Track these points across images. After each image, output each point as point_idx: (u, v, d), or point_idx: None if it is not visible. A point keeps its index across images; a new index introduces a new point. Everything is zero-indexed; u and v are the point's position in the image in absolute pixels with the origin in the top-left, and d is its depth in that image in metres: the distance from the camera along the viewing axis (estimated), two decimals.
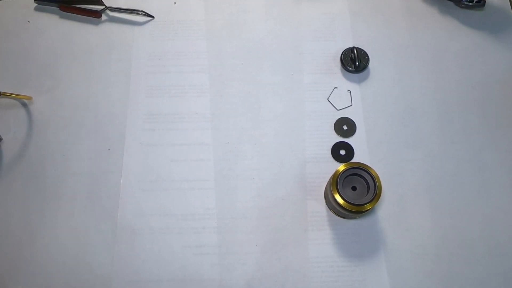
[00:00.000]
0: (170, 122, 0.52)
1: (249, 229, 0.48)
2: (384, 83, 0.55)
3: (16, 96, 0.50)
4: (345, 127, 0.52)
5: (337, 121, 0.53)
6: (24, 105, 0.53)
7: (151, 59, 0.56)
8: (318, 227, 0.48)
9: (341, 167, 0.45)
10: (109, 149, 0.51)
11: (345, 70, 0.55)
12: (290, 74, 0.55)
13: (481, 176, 0.51)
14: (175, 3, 0.59)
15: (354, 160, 0.51)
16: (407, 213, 0.49)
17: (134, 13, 0.58)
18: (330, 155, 0.51)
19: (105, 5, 0.58)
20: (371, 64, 0.55)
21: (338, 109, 0.54)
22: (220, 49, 0.57)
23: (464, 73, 0.56)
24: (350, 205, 0.44)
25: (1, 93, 0.47)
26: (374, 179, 0.44)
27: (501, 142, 0.52)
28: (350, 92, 0.55)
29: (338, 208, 0.45)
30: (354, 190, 0.46)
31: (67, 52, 0.56)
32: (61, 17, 0.58)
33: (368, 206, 0.43)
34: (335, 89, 0.55)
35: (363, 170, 0.44)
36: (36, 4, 0.59)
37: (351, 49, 0.55)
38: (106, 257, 0.47)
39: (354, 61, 0.55)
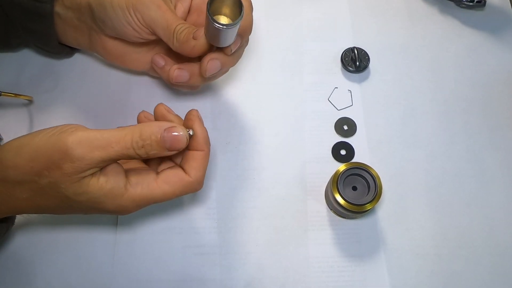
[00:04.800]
0: None
1: (249, 229, 0.48)
2: (384, 83, 0.55)
3: (16, 96, 0.50)
4: (345, 127, 0.52)
5: (337, 121, 0.53)
6: (24, 105, 0.53)
7: None
8: (319, 227, 0.48)
9: (342, 167, 0.45)
10: None
11: (346, 70, 0.55)
12: (290, 74, 0.55)
13: (481, 176, 0.51)
14: None
15: (354, 160, 0.51)
16: (407, 213, 0.49)
17: None
18: (331, 155, 0.51)
19: None
20: (371, 64, 0.55)
21: (338, 109, 0.54)
22: None
23: (464, 73, 0.56)
24: (350, 205, 0.44)
25: (1, 93, 0.47)
26: (375, 179, 0.44)
27: (501, 142, 0.52)
28: (351, 92, 0.55)
29: (338, 208, 0.45)
30: (354, 190, 0.46)
31: None
32: None
33: (368, 206, 0.43)
34: (336, 89, 0.55)
35: (364, 170, 0.45)
36: None
37: (351, 49, 0.55)
38: (106, 257, 0.47)
39: (355, 61, 0.55)
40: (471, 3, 0.57)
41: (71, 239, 0.47)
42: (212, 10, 0.37)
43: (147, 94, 0.54)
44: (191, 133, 0.38)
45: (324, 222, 0.49)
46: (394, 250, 0.47)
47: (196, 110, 0.40)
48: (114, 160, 0.36)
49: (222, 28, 0.37)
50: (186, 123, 0.40)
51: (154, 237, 0.48)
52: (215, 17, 0.37)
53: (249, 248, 0.47)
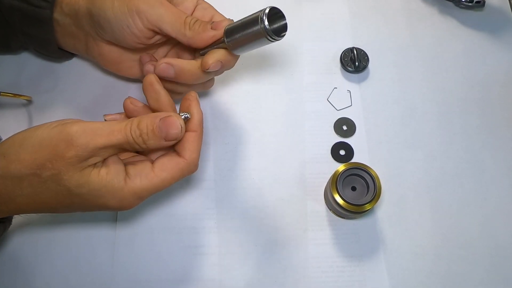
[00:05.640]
0: None
1: (249, 229, 0.48)
2: (384, 83, 0.55)
3: (15, 96, 0.50)
4: (344, 127, 0.53)
5: (336, 121, 0.53)
6: (23, 105, 0.53)
7: None
8: (318, 227, 0.48)
9: (341, 167, 0.45)
10: None
11: (345, 70, 0.55)
12: (290, 74, 0.55)
13: (481, 176, 0.51)
14: None
15: (353, 160, 0.51)
16: (407, 213, 0.49)
17: None
18: (330, 155, 0.51)
19: None
20: (370, 64, 0.55)
21: (338, 109, 0.54)
22: None
23: (464, 73, 0.56)
24: (349, 205, 0.44)
25: (1, 93, 0.47)
26: (374, 179, 0.44)
27: (501, 142, 0.52)
28: (350, 92, 0.55)
29: (338, 208, 0.45)
30: (353, 190, 0.46)
31: None
32: None
33: (367, 206, 0.43)
34: (335, 89, 0.55)
35: (363, 170, 0.45)
36: None
37: (350, 49, 0.55)
38: (105, 257, 0.47)
39: (354, 61, 0.55)
40: (470, 4, 0.57)
41: (70, 239, 0.47)
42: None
43: None
44: (188, 116, 0.39)
45: (324, 222, 0.49)
46: (393, 250, 0.47)
47: (195, 92, 0.40)
48: (116, 148, 0.36)
49: (274, 40, 0.37)
50: (184, 104, 0.40)
51: (153, 237, 0.48)
52: None
53: (249, 248, 0.47)
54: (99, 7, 0.42)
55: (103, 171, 0.36)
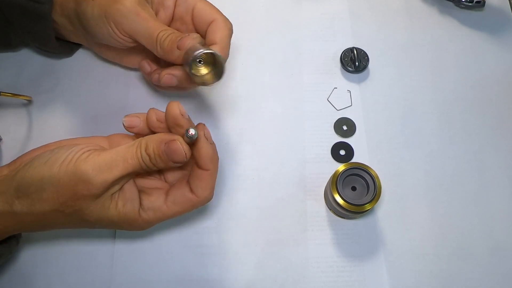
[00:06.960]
0: None
1: (249, 229, 0.48)
2: (383, 83, 0.55)
3: (15, 96, 0.50)
4: (344, 127, 0.53)
5: (336, 121, 0.53)
6: (24, 105, 0.53)
7: None
8: (318, 227, 0.48)
9: (341, 167, 0.45)
10: None
11: (345, 70, 0.55)
12: (290, 74, 0.55)
13: (481, 176, 0.51)
14: None
15: (353, 160, 0.51)
16: (407, 213, 0.49)
17: None
18: (330, 155, 0.51)
19: None
20: (370, 64, 0.55)
21: (337, 109, 0.54)
22: None
23: (464, 73, 0.56)
24: (350, 205, 0.44)
25: (1, 93, 0.47)
26: (374, 179, 0.44)
27: (501, 142, 0.52)
28: (350, 92, 0.55)
29: (338, 208, 0.45)
30: (353, 190, 0.46)
31: None
32: None
33: (368, 206, 0.43)
34: (335, 89, 0.55)
35: (363, 170, 0.45)
36: None
37: (350, 49, 0.55)
38: (105, 257, 0.47)
39: (354, 61, 0.55)
40: (470, 4, 0.57)
41: (70, 239, 0.47)
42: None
43: (146, 94, 0.54)
44: (193, 133, 0.35)
45: (324, 222, 0.49)
46: (393, 250, 0.47)
47: (203, 124, 0.39)
48: (132, 174, 0.37)
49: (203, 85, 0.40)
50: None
51: (153, 237, 0.48)
52: (199, 52, 0.38)
53: (249, 248, 0.47)
54: (83, 13, 0.43)
55: (120, 203, 0.37)
